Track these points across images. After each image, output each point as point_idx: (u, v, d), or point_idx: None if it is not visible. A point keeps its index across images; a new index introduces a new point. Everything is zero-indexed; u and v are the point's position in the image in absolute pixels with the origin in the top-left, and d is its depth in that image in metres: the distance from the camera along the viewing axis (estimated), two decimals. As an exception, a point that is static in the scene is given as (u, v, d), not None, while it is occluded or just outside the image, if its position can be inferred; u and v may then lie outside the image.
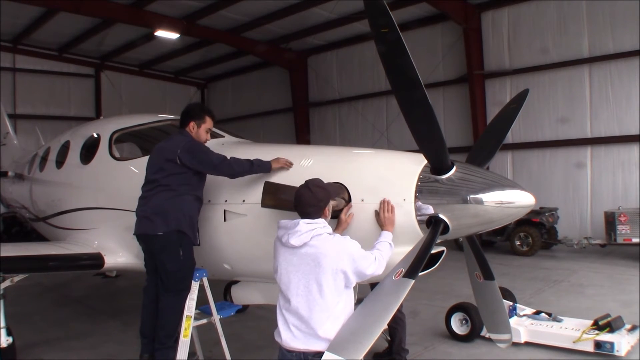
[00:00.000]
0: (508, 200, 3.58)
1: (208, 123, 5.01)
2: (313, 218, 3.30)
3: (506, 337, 4.46)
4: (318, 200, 3.34)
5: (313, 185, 3.41)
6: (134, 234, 4.93)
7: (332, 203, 3.72)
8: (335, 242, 3.23)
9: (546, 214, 13.32)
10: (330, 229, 3.33)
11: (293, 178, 3.96)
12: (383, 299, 3.18)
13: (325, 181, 3.95)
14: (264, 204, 3.77)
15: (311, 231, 3.21)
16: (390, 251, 3.46)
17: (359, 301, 3.42)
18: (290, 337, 3.21)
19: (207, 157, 4.63)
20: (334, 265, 3.14)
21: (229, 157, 4.52)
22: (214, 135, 5.68)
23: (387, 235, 3.56)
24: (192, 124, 4.93)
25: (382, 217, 3.65)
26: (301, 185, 3.44)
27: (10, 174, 10.42)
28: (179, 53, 21.69)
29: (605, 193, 14.38)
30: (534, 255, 13.12)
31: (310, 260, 3.18)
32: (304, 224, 3.24)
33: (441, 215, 3.58)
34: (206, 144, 4.97)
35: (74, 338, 7.29)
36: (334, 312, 3.17)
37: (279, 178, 3.93)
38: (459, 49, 16.92)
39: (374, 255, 3.32)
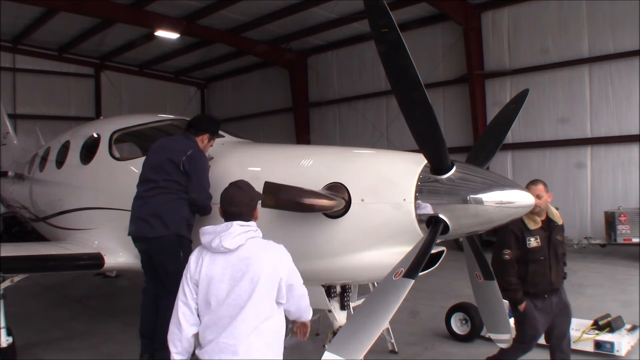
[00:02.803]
0: (508, 200, 3.58)
1: (214, 140, 5.20)
2: (242, 219, 3.08)
3: (506, 337, 4.46)
4: (250, 198, 3.18)
5: (243, 184, 3.24)
6: (129, 235, 4.94)
7: (326, 203, 3.71)
8: (270, 246, 3.07)
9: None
10: (261, 234, 3.12)
11: (293, 178, 3.96)
12: (383, 299, 3.17)
13: (325, 181, 3.96)
14: (264, 204, 3.76)
15: (245, 233, 3.01)
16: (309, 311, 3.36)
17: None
18: (212, 348, 2.95)
19: (203, 180, 4.70)
20: (269, 270, 2.95)
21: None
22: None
23: None
24: (206, 136, 5.04)
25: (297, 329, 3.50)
26: (230, 186, 3.23)
27: (10, 174, 10.42)
28: (179, 53, 21.71)
29: (605, 193, 14.40)
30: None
31: (244, 265, 2.95)
32: (238, 226, 3.02)
33: (441, 215, 3.57)
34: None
35: (74, 338, 7.29)
36: (261, 326, 2.94)
37: (279, 178, 3.93)
38: (459, 49, 16.93)
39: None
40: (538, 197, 4.45)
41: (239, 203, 3.11)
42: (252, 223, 3.11)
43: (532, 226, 4.66)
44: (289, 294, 3.07)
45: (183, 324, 3.04)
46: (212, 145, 5.14)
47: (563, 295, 4.94)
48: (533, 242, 4.65)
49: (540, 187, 4.63)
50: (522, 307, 4.73)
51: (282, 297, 3.04)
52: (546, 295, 4.75)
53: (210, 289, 2.98)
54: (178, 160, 4.69)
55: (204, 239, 3.06)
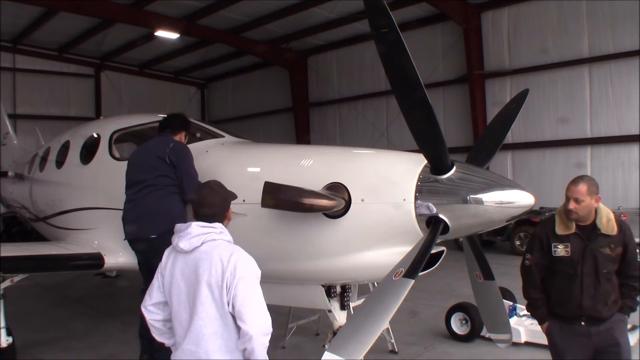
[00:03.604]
0: (508, 200, 3.58)
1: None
2: (214, 221, 3.03)
3: (506, 337, 4.46)
4: (223, 200, 3.12)
5: (215, 185, 3.18)
6: (125, 239, 4.96)
7: (325, 203, 3.67)
8: (226, 249, 2.92)
9: (546, 214, 13.32)
10: (229, 236, 3.03)
11: (293, 178, 3.96)
12: (383, 299, 3.17)
13: (325, 181, 3.96)
14: (264, 204, 3.77)
15: (204, 235, 2.94)
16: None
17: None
18: (179, 354, 2.96)
19: (190, 169, 4.77)
20: (218, 273, 2.84)
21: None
22: (213, 136, 5.73)
23: None
24: (183, 134, 5.23)
25: None
26: (202, 186, 3.23)
27: (10, 174, 10.43)
28: (179, 53, 21.72)
29: (605, 193, 14.20)
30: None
31: (196, 266, 2.90)
32: (197, 227, 2.97)
33: (441, 215, 3.57)
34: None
35: (74, 338, 7.29)
36: (221, 332, 2.85)
37: (279, 178, 3.93)
38: (459, 49, 16.93)
39: (268, 317, 2.88)
40: (576, 201, 3.61)
41: (211, 204, 3.05)
42: (217, 225, 3.03)
43: (560, 231, 3.74)
44: (234, 303, 2.82)
45: (144, 310, 3.11)
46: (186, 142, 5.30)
47: (614, 331, 3.74)
48: (560, 250, 3.75)
49: (582, 189, 3.61)
50: (543, 327, 3.97)
51: (229, 303, 2.85)
52: (582, 323, 3.73)
53: (172, 288, 2.99)
54: (163, 153, 4.79)
55: (173, 237, 3.09)
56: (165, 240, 4.62)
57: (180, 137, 5.16)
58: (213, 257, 2.88)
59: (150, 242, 4.74)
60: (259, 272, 2.95)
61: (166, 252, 3.13)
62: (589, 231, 3.72)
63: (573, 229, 3.73)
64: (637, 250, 3.77)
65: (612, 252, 3.70)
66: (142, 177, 4.83)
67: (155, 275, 3.12)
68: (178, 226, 3.06)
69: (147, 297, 3.10)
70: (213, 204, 3.06)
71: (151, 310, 3.09)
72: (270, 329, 2.88)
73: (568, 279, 3.75)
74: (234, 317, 2.86)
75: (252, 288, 2.86)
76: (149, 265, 4.94)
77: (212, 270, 2.85)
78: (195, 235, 2.94)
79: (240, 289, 2.82)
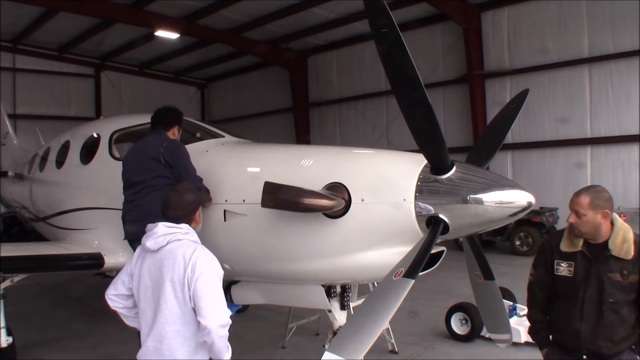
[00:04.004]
0: (508, 200, 3.58)
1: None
2: (179, 223, 3.16)
3: (506, 337, 4.46)
4: (187, 203, 3.23)
5: (182, 189, 3.32)
6: (124, 239, 4.96)
7: (325, 203, 3.67)
8: (189, 248, 3.04)
9: (546, 214, 13.33)
10: (195, 237, 3.17)
11: (293, 178, 3.96)
12: (383, 299, 3.17)
13: (325, 181, 3.96)
14: (264, 204, 3.77)
15: (169, 235, 3.07)
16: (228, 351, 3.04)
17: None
18: (143, 352, 3.07)
19: (187, 166, 4.72)
20: (180, 271, 2.96)
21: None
22: (213, 135, 5.73)
23: None
24: (176, 128, 5.21)
25: None
26: (170, 190, 3.37)
27: (10, 174, 10.43)
28: (179, 53, 21.73)
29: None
30: (534, 255, 13.11)
31: (161, 265, 3.03)
32: (163, 227, 3.11)
33: (441, 215, 3.57)
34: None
35: (74, 338, 7.30)
36: (183, 330, 2.98)
37: (279, 178, 3.93)
38: (459, 49, 16.93)
39: (226, 310, 2.98)
40: (577, 214, 3.23)
41: (175, 207, 3.19)
42: (184, 225, 3.15)
43: (565, 247, 3.35)
44: (196, 301, 2.94)
45: (106, 298, 3.36)
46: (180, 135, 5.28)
47: None
48: (563, 268, 3.35)
49: (582, 201, 3.21)
50: (542, 353, 3.60)
51: (193, 302, 2.97)
52: (584, 357, 3.30)
53: (140, 286, 3.14)
54: (157, 154, 4.76)
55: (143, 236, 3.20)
56: None
57: (174, 131, 5.11)
58: (177, 256, 3.00)
59: None
60: (221, 272, 3.07)
61: (137, 251, 3.24)
62: (597, 250, 3.25)
63: (579, 246, 3.29)
64: None
65: (624, 280, 3.16)
66: (140, 179, 4.82)
67: (124, 269, 3.26)
68: (148, 226, 3.18)
69: (111, 287, 3.29)
70: (176, 207, 3.20)
71: (112, 299, 3.30)
72: (228, 321, 2.96)
73: (568, 303, 3.34)
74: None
75: (210, 284, 2.96)
76: None
77: (175, 269, 2.97)
78: (161, 235, 3.07)
79: (199, 284, 2.94)
